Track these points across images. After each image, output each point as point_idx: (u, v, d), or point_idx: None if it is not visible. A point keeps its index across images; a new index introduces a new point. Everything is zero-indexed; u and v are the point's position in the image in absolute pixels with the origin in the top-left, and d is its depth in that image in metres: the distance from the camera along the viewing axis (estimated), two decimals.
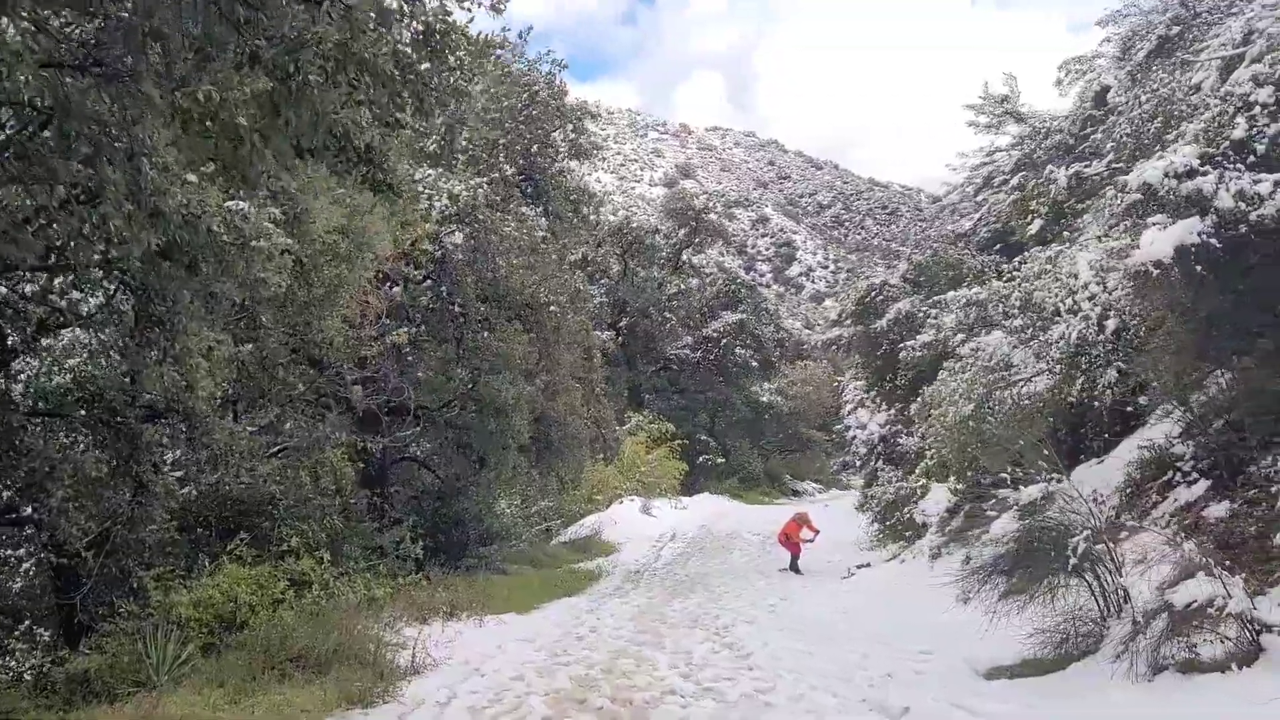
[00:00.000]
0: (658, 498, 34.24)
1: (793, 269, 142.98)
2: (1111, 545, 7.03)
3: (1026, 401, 11.06)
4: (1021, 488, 7.41)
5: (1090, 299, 9.58)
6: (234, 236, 6.22)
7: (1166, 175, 7.37)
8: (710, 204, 51.78)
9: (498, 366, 15.69)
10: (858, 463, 27.90)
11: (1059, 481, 7.50)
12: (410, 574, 15.38)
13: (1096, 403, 10.32)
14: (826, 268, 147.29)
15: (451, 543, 19.09)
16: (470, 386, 16.22)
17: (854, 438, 28.94)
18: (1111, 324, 9.33)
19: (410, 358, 16.44)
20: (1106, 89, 18.32)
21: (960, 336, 13.89)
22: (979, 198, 25.00)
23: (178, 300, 6.30)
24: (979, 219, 23.49)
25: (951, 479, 14.59)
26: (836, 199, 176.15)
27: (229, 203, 6.44)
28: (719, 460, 45.05)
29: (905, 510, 17.16)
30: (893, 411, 23.44)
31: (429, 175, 15.70)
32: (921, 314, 19.44)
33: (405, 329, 14.81)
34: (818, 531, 19.02)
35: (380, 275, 14.56)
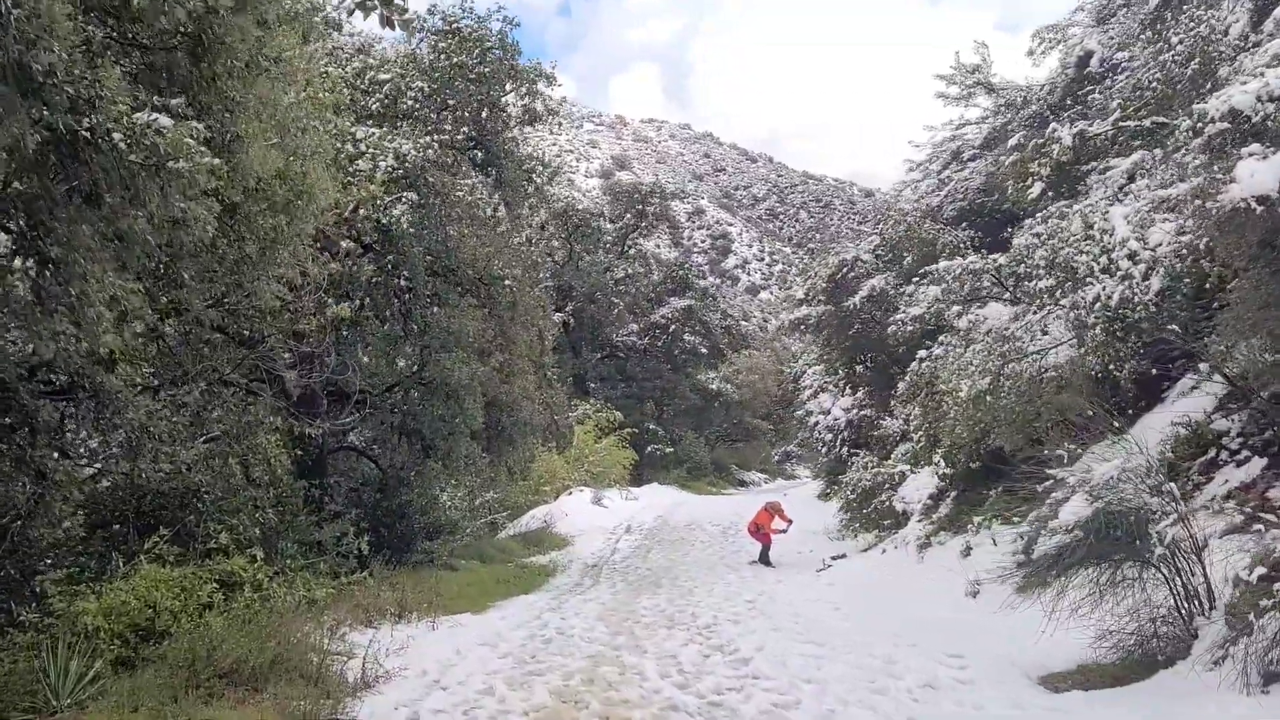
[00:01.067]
0: (607, 488, 33.12)
1: (729, 261, 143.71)
2: (1192, 533, 6.08)
3: (1052, 373, 10.16)
4: (1095, 465, 6.43)
5: (1130, 256, 8.68)
6: (145, 156, 4.93)
7: (1260, 99, 6.46)
8: (657, 189, 50.71)
9: (449, 345, 14.40)
10: (822, 449, 27.12)
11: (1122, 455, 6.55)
12: (353, 572, 14.12)
13: (1119, 374, 9.47)
14: (762, 260, 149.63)
15: (395, 537, 17.76)
16: (418, 368, 14.92)
17: (816, 424, 28.12)
18: (1156, 283, 8.44)
19: (351, 336, 15.05)
20: (1089, 54, 17.64)
21: (956, 309, 13.06)
22: (944, 174, 24.30)
23: (74, 237, 4.99)
24: (946, 195, 22.73)
25: (940, 462, 13.72)
26: (771, 192, 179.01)
27: (138, 113, 5.14)
28: (667, 450, 44.12)
29: (883, 497, 16.29)
30: (861, 394, 22.66)
31: (373, 134, 14.33)
32: (894, 290, 18.56)
33: (347, 304, 13.44)
34: (790, 521, 18.09)
35: (320, 241, 13.18)
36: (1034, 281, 9.54)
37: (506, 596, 15.87)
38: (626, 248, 48.34)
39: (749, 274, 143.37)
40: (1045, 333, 10.18)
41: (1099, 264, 8.85)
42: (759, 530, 17.89)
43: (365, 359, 19.55)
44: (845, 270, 20.14)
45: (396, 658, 9.86)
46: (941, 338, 12.88)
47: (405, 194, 14.49)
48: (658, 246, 51.60)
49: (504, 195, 17.95)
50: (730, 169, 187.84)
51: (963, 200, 22.41)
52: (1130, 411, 10.30)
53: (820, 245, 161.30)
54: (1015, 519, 10.95)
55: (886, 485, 16.58)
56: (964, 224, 21.51)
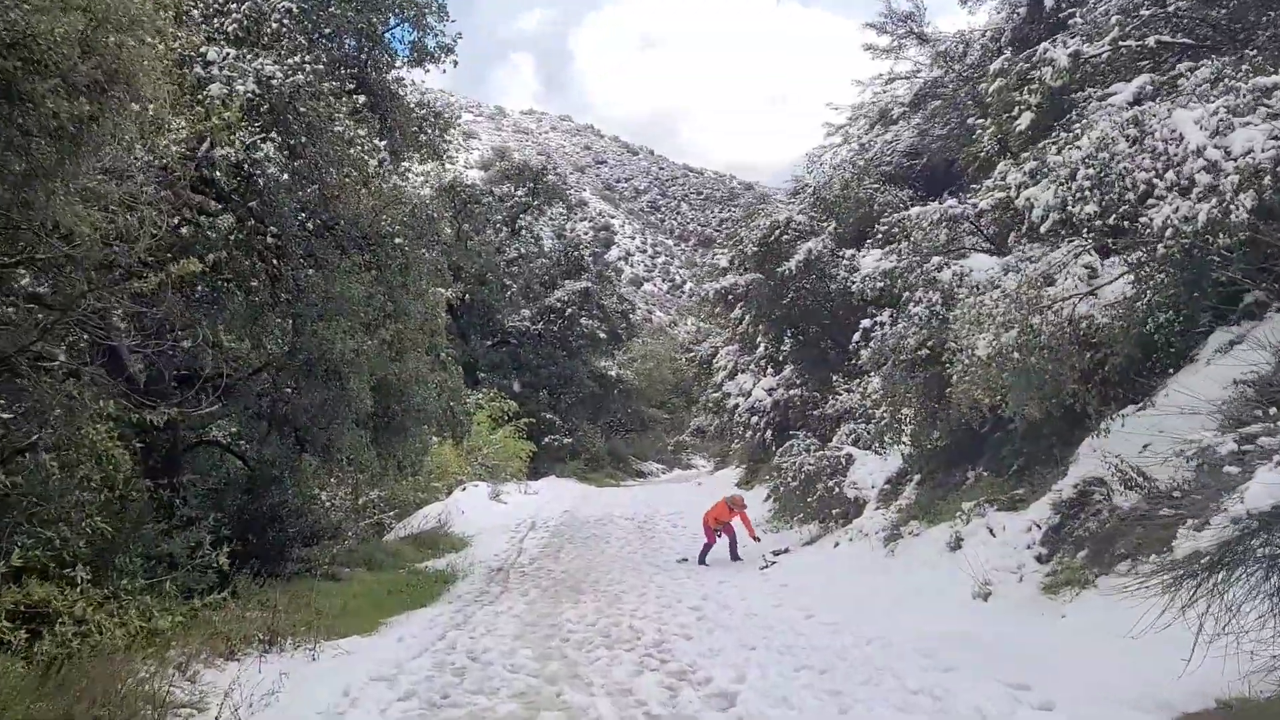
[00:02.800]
0: (504, 483, 30.87)
1: (612, 253, 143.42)
2: None
3: (1101, 319, 8.60)
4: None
5: (1209, 168, 7.11)
6: None
7: None
8: (549, 165, 48.47)
9: (328, 313, 12.04)
10: (745, 433, 25.44)
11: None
12: (211, 590, 11.71)
13: (1175, 322, 8.01)
14: (645, 252, 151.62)
15: (266, 545, 15.28)
16: (288, 345, 12.51)
17: (735, 406, 26.43)
18: (1248, 199, 6.88)
19: (207, 306, 12.55)
20: None
21: (936, 260, 11.42)
22: (867, 138, 22.86)
23: None
24: (871, 158, 21.19)
25: (906, 441, 12.11)
26: (653, 184, 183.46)
27: None
28: (565, 440, 41.99)
29: (830, 483, 14.64)
30: (789, 372, 21.05)
31: (228, 55, 11.84)
32: (831, 255, 16.93)
33: (197, 261, 10.96)
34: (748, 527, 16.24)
35: (162, 183, 10.69)
36: (1079, 206, 7.92)
37: (402, 610, 13.70)
38: (518, 227, 46.01)
39: (632, 266, 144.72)
40: (1091, 273, 8.64)
41: (1162, 181, 7.29)
42: (717, 525, 15.99)
43: (225, 339, 16.97)
44: (778, 233, 18.41)
45: (265, 707, 7.62)
46: (919, 295, 11.26)
47: (271, 133, 12.07)
48: (550, 226, 49.31)
49: (391, 144, 15.55)
50: (612, 161, 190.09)
51: (889, 165, 21.01)
52: (1172, 370, 8.85)
53: (701, 238, 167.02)
54: (1020, 504, 9.36)
55: (829, 470, 14.94)
56: (892, 188, 20.08)
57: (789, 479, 15.46)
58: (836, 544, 13.58)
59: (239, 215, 12.50)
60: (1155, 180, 7.45)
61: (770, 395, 23.52)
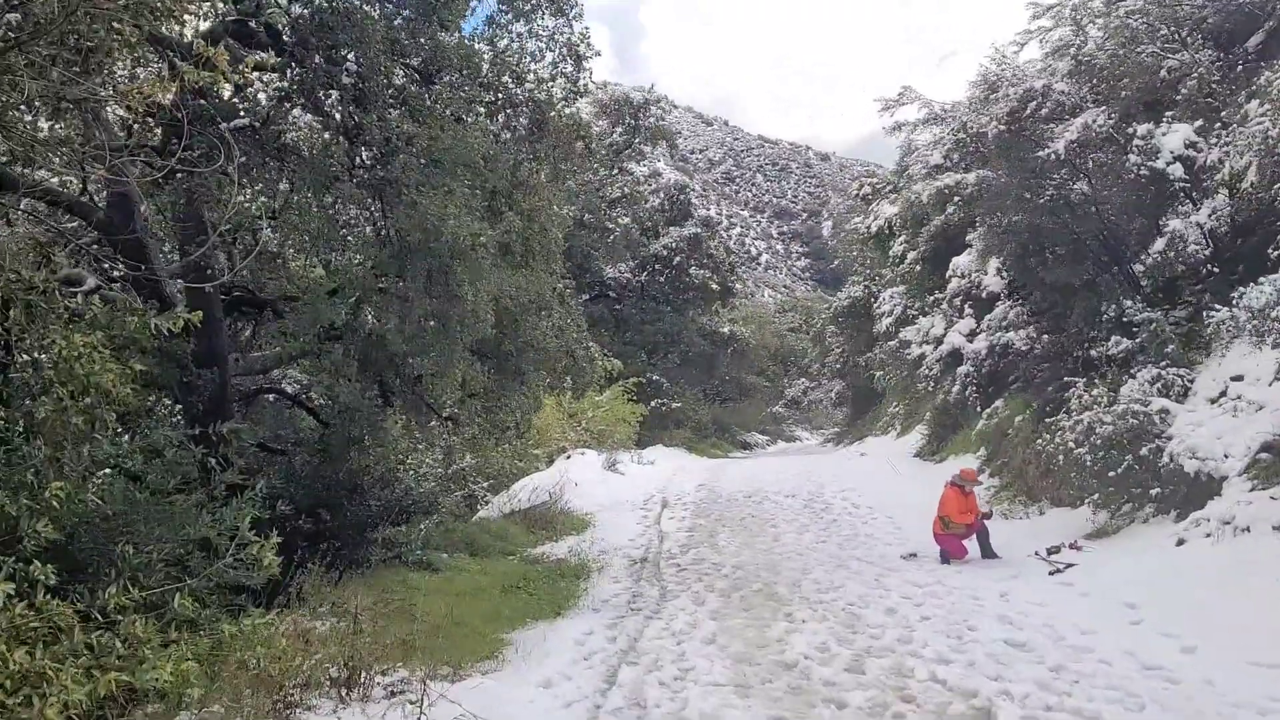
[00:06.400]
0: (610, 451, 26.98)
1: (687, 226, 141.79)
2: None
3: None
4: None
5: None
6: None
7: None
8: (653, 98, 44.14)
9: (434, 180, 8.05)
10: (935, 388, 20.95)
11: None
12: (261, 598, 8.08)
13: None
14: (720, 223, 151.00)
15: (344, 524, 11.68)
16: (373, 232, 8.66)
17: (922, 356, 21.95)
18: None
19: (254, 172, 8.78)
20: None
21: None
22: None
23: None
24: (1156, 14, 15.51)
25: None
26: (727, 155, 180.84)
27: None
28: (674, 405, 37.94)
29: (1144, 451, 10.30)
30: (1019, 311, 16.55)
31: None
32: (1117, 132, 12.27)
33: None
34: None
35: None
36: None
37: (528, 621, 9.93)
38: (618, 167, 41.87)
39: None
40: None
41: None
42: (956, 527, 11.81)
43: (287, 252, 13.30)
44: (1033, 105, 13.78)
45: None
46: None
47: None
48: (654, 166, 45.12)
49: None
50: (686, 132, 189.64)
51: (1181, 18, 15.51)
52: None
53: (777, 209, 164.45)
54: None
55: (1131, 433, 10.59)
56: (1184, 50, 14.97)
57: (1069, 444, 11.15)
58: (1180, 540, 9.28)
59: (299, 63, 8.61)
60: None
61: (971, 341, 19.11)
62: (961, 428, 19.85)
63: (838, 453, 32.42)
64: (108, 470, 7.63)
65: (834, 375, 45.33)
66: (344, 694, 6.81)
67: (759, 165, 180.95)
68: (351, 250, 10.41)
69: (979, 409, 18.83)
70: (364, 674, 7.04)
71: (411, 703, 6.51)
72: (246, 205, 9.18)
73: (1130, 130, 12.35)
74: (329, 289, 11.04)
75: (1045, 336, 15.56)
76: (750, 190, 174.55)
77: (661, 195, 43.39)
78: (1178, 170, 12.00)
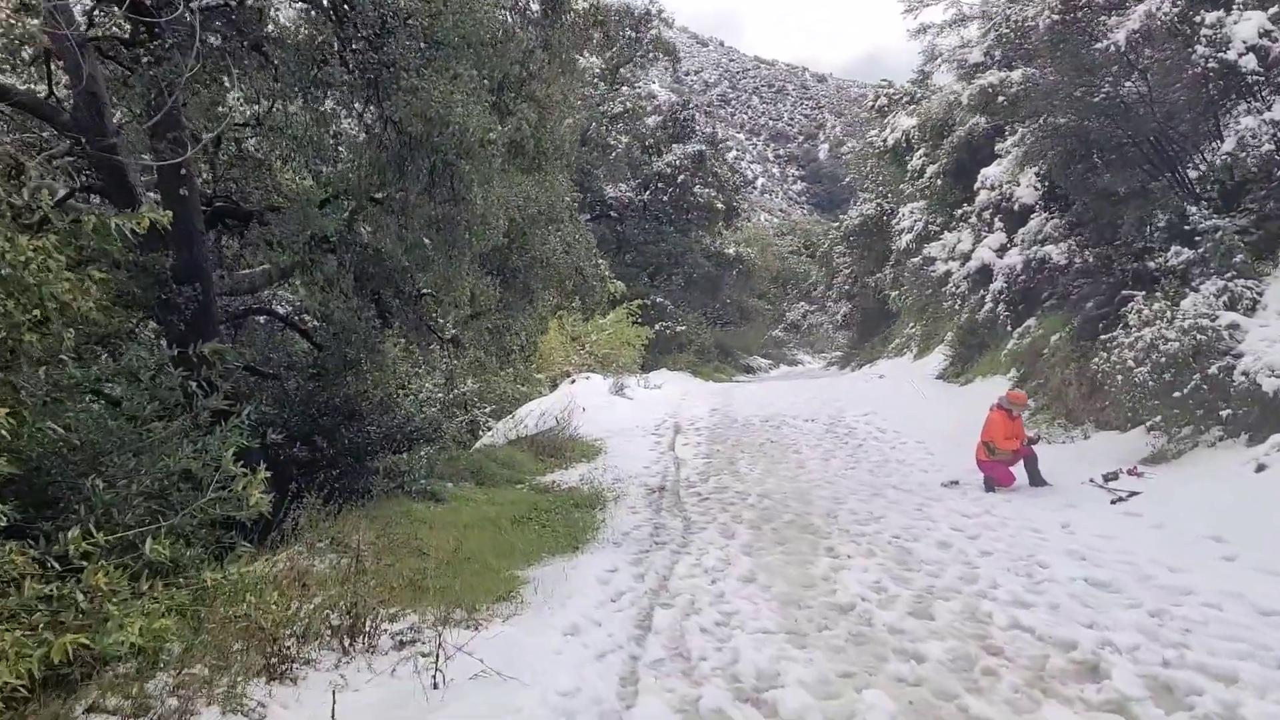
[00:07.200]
0: (617, 375, 26.16)
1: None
2: None
3: None
4: None
5: None
6: None
7: None
8: (654, 8, 42.35)
9: (431, 55, 7.02)
10: (961, 307, 20.01)
11: None
12: (253, 534, 7.31)
13: None
14: (724, 141, 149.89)
15: (342, 452, 10.92)
16: (367, 121, 7.69)
17: (947, 274, 20.99)
18: None
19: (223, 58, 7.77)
20: None
21: None
22: None
23: None
24: None
25: None
26: (723, 77, 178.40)
27: None
28: (678, 329, 37.06)
29: (1216, 365, 9.46)
30: (1058, 223, 15.55)
31: None
32: (1177, 20, 11.15)
33: None
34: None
35: None
36: None
37: (545, 556, 9.22)
38: (619, 81, 40.33)
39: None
40: None
41: None
42: (1003, 454, 10.96)
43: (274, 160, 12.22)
44: None
45: None
46: None
47: None
48: (655, 83, 43.62)
49: None
50: (682, 53, 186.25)
51: None
52: None
53: (773, 132, 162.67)
54: None
55: (1194, 350, 9.75)
56: None
57: (1129, 363, 10.29)
58: (1260, 466, 8.51)
59: None
60: None
61: (1002, 256, 18.12)
62: (989, 348, 19.00)
63: (850, 376, 31.65)
64: (89, 396, 6.82)
65: (841, 297, 44.33)
66: (347, 645, 6.05)
67: (755, 87, 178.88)
68: (344, 160, 9.42)
69: (1009, 328, 17.95)
70: (369, 621, 6.27)
71: (424, 655, 5.75)
72: (224, 110, 8.14)
73: (1198, 19, 11.28)
74: (319, 200, 10.08)
75: (1088, 250, 14.63)
76: (746, 113, 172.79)
77: (662, 114, 41.91)
78: (1250, 62, 10.96)
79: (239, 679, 5.04)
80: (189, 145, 9.36)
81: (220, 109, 12.68)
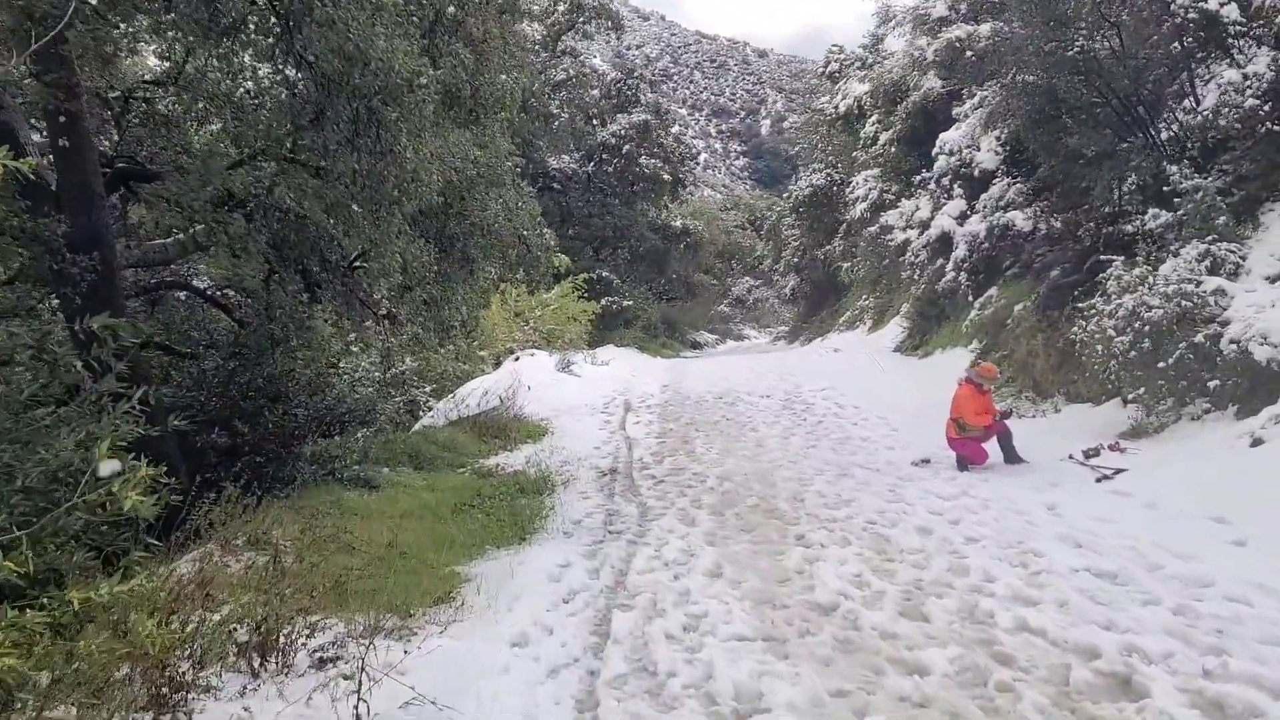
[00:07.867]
0: (563, 351, 25.31)
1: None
2: None
3: None
4: None
5: None
6: None
7: None
8: None
9: None
10: (920, 276, 19.42)
11: None
12: (156, 530, 6.36)
13: None
14: (668, 112, 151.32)
15: (264, 437, 10.02)
16: (276, 51, 6.75)
17: (906, 242, 20.42)
18: None
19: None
20: None
21: None
22: None
23: None
24: None
25: None
26: (665, 51, 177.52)
27: None
28: (625, 304, 36.26)
29: (1202, 333, 8.92)
30: (1020, 188, 15.04)
31: None
32: None
33: None
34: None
35: None
36: None
37: (488, 549, 8.44)
38: (560, 49, 39.22)
39: None
40: None
41: None
42: (975, 429, 10.35)
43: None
44: None
45: None
46: None
47: None
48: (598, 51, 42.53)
49: None
50: (624, 25, 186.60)
51: None
52: None
53: (715, 108, 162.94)
54: None
55: (1178, 316, 9.22)
56: None
57: (1109, 331, 9.71)
58: (1256, 440, 7.98)
59: None
60: None
61: (963, 224, 17.58)
62: (949, 319, 18.49)
63: (800, 350, 31.12)
64: None
65: (789, 270, 43.83)
66: (257, 665, 5.21)
67: (697, 62, 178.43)
68: (248, 106, 8.44)
69: (970, 298, 17.45)
70: (284, 635, 5.43)
71: (346, 678, 4.91)
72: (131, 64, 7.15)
73: None
74: (234, 161, 9.08)
75: (1054, 216, 14.11)
76: (689, 88, 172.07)
77: (605, 86, 40.89)
78: (1233, 11, 10.45)
79: (116, 717, 4.19)
80: (81, 94, 8.34)
81: (128, 62, 11.56)
